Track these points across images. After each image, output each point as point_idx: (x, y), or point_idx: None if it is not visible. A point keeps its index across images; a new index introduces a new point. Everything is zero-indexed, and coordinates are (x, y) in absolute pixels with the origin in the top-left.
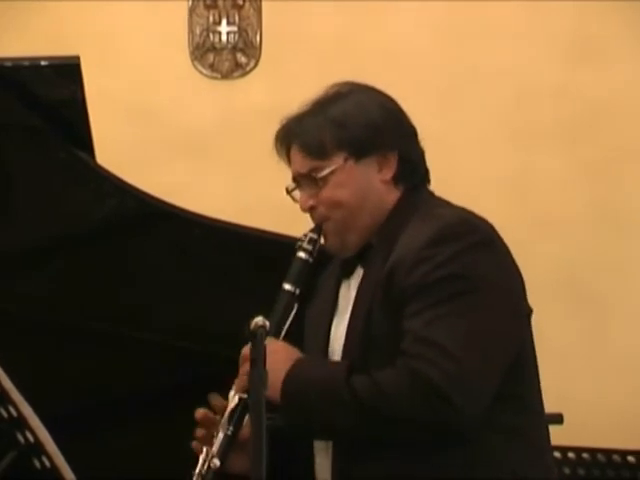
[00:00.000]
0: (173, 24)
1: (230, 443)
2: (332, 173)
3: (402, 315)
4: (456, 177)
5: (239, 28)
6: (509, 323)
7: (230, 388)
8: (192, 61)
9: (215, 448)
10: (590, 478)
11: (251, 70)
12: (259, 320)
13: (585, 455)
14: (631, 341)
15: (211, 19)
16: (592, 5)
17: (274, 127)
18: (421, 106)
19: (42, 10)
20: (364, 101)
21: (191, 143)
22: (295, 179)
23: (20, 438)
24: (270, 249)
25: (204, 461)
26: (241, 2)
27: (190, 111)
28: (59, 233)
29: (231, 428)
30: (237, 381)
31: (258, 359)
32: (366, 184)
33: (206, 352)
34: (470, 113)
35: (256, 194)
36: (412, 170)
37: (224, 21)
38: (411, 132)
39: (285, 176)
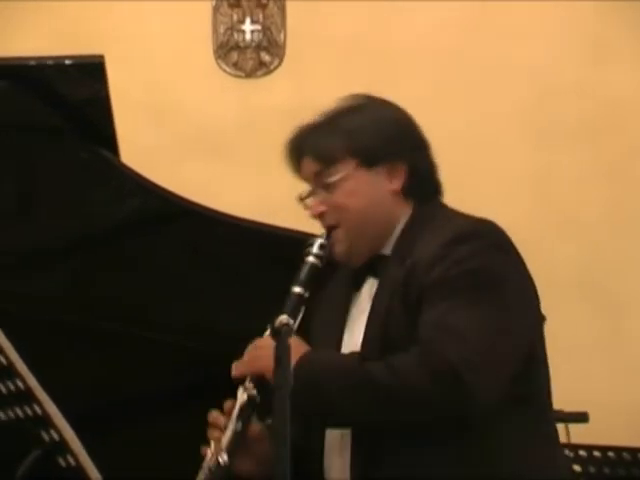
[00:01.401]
0: (197, 23)
1: (238, 439)
2: (343, 179)
3: (420, 311)
4: (477, 176)
5: (263, 27)
6: (522, 322)
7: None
8: (216, 60)
9: (223, 444)
10: (616, 477)
11: (275, 69)
12: (283, 318)
13: (611, 454)
14: None
15: (235, 18)
16: (615, 5)
17: (297, 125)
18: (442, 106)
19: (66, 10)
20: (377, 113)
21: (215, 142)
22: (308, 184)
23: (45, 436)
24: (292, 248)
25: (212, 456)
26: (265, 1)
27: (214, 110)
28: (82, 231)
29: (240, 424)
30: (240, 362)
31: (283, 357)
32: (375, 193)
33: (227, 352)
34: (491, 112)
35: (279, 192)
36: (422, 183)
37: (248, 20)
38: (423, 146)
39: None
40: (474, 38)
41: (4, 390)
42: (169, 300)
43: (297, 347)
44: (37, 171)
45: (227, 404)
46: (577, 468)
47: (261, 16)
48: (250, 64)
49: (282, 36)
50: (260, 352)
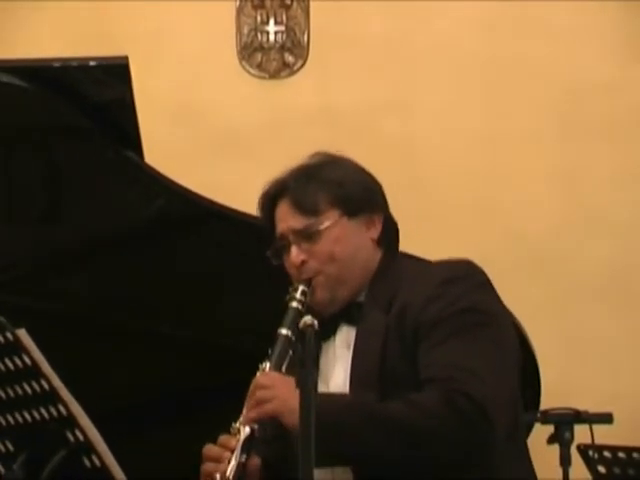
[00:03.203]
0: (221, 24)
1: (243, 470)
2: (328, 228)
3: (418, 350)
4: (505, 177)
5: (287, 28)
6: (512, 356)
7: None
8: (240, 61)
9: (229, 475)
10: None
11: (299, 70)
12: (308, 319)
13: (636, 455)
14: None
15: (259, 19)
16: None
17: (321, 127)
18: (469, 105)
19: (90, 10)
20: (354, 167)
21: (238, 143)
22: (283, 237)
23: (70, 437)
24: None
25: None
26: (289, 2)
27: (238, 111)
28: (107, 233)
29: (244, 457)
30: (248, 409)
31: (307, 358)
32: (358, 240)
33: (251, 351)
34: (520, 111)
35: None
36: (392, 233)
37: (272, 21)
38: (387, 202)
39: None
40: (500, 38)
41: (29, 391)
42: (195, 300)
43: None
44: (62, 172)
45: (223, 438)
46: (602, 469)
47: (285, 17)
48: (274, 65)
49: (306, 37)
50: (266, 394)
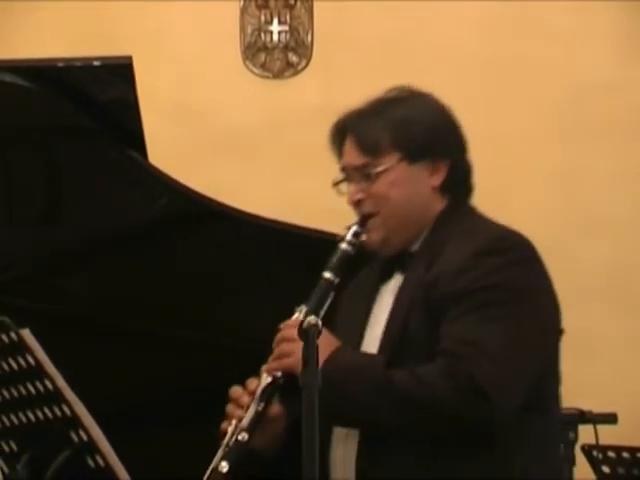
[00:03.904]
0: (225, 24)
1: (259, 419)
2: (385, 171)
3: (441, 320)
4: (506, 176)
5: (290, 28)
6: (540, 337)
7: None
8: (243, 60)
9: (245, 423)
10: None
11: (302, 69)
12: (312, 319)
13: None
14: None
15: (263, 19)
16: None
17: (325, 127)
18: (470, 105)
19: (93, 10)
20: (424, 106)
21: (242, 142)
22: (345, 171)
23: (74, 437)
24: (320, 249)
25: (232, 434)
26: (293, 2)
27: (241, 110)
28: (109, 232)
29: (262, 404)
30: (271, 359)
31: (311, 357)
32: (416, 187)
33: (252, 351)
34: (519, 112)
35: (306, 194)
36: (460, 181)
37: (275, 21)
38: (463, 146)
39: (335, 176)
40: (501, 38)
41: (33, 391)
42: (197, 300)
43: (326, 343)
44: (65, 172)
45: (250, 382)
46: (606, 469)
47: (288, 17)
48: (277, 65)
49: (309, 37)
50: (288, 347)
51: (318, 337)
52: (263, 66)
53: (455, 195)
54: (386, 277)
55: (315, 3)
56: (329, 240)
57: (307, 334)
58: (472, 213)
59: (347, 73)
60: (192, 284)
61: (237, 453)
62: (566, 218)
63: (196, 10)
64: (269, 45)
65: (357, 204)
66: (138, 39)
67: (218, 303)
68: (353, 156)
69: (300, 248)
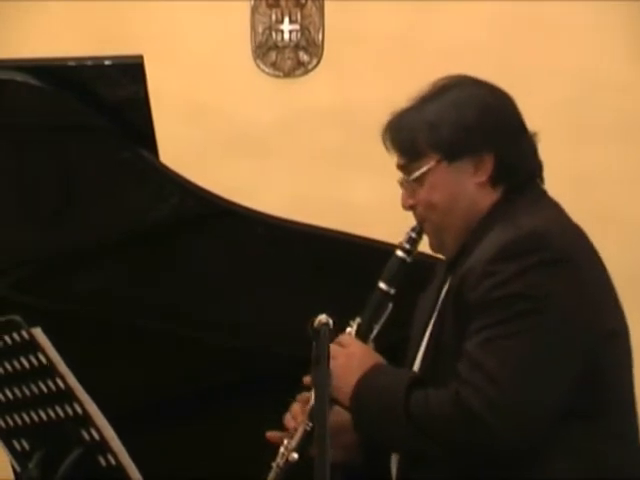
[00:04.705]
0: (235, 23)
1: (309, 438)
2: (425, 174)
3: (466, 329)
4: None
5: (301, 26)
6: (570, 345)
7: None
8: (254, 60)
9: (294, 442)
10: None
11: (313, 68)
12: (322, 318)
13: None
14: None
15: (273, 17)
16: None
17: (336, 125)
18: None
19: (104, 10)
20: (463, 99)
21: (253, 142)
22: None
23: (85, 436)
24: (332, 248)
25: (282, 454)
26: (303, 1)
27: (252, 110)
28: (120, 232)
29: (310, 424)
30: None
31: (322, 357)
32: (458, 187)
33: (267, 352)
34: (530, 111)
35: (317, 193)
36: (511, 170)
37: (286, 19)
38: (514, 131)
39: (347, 176)
40: (513, 37)
41: (45, 390)
42: (208, 299)
43: (361, 361)
44: (77, 172)
45: (301, 397)
46: None
47: (299, 16)
48: (288, 64)
49: (320, 36)
50: (348, 362)
51: (332, 338)
52: (274, 65)
53: (510, 184)
54: (447, 275)
55: (326, 2)
56: (340, 239)
57: (317, 333)
58: (525, 201)
59: (358, 72)
60: (203, 283)
61: (288, 473)
62: (577, 218)
63: (207, 9)
64: (280, 44)
65: (411, 210)
66: (149, 39)
67: (229, 302)
68: (397, 158)
69: (312, 247)
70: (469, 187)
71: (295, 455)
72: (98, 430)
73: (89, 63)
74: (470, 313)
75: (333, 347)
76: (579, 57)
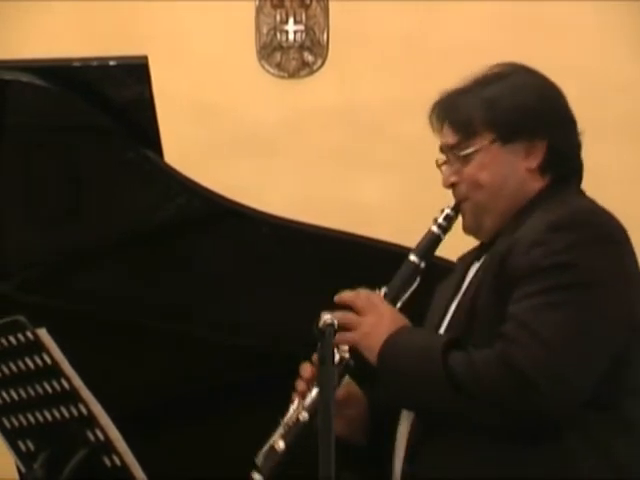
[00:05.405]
0: (240, 23)
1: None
2: (476, 152)
3: (510, 296)
4: None
5: (306, 27)
6: (612, 326)
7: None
8: (259, 60)
9: (307, 402)
10: None
11: (318, 69)
12: (327, 318)
13: None
14: None
15: (278, 18)
16: None
17: (341, 126)
18: None
19: (109, 10)
20: (521, 84)
21: (258, 142)
22: (442, 151)
23: (90, 436)
24: (337, 248)
25: (293, 412)
26: (308, 1)
27: (257, 110)
28: (126, 232)
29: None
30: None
31: (327, 358)
32: (509, 169)
33: (271, 351)
34: None
35: (323, 193)
36: (561, 161)
37: (291, 20)
38: (567, 122)
39: (352, 175)
40: (519, 37)
41: (50, 390)
42: (214, 299)
43: (392, 320)
44: (82, 172)
45: (314, 357)
46: None
47: (304, 16)
48: (293, 64)
49: (325, 36)
50: (354, 319)
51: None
52: (279, 66)
53: (557, 175)
54: (478, 256)
55: (331, 2)
56: (344, 239)
57: (322, 333)
58: (568, 192)
59: (363, 72)
60: (209, 284)
61: (296, 433)
62: None
63: (211, 10)
64: (285, 45)
65: (451, 187)
66: (154, 39)
67: (235, 303)
68: (448, 135)
69: (318, 248)
70: (519, 171)
71: (306, 415)
72: (103, 430)
73: (94, 64)
74: (515, 278)
75: (363, 304)
76: (582, 57)
